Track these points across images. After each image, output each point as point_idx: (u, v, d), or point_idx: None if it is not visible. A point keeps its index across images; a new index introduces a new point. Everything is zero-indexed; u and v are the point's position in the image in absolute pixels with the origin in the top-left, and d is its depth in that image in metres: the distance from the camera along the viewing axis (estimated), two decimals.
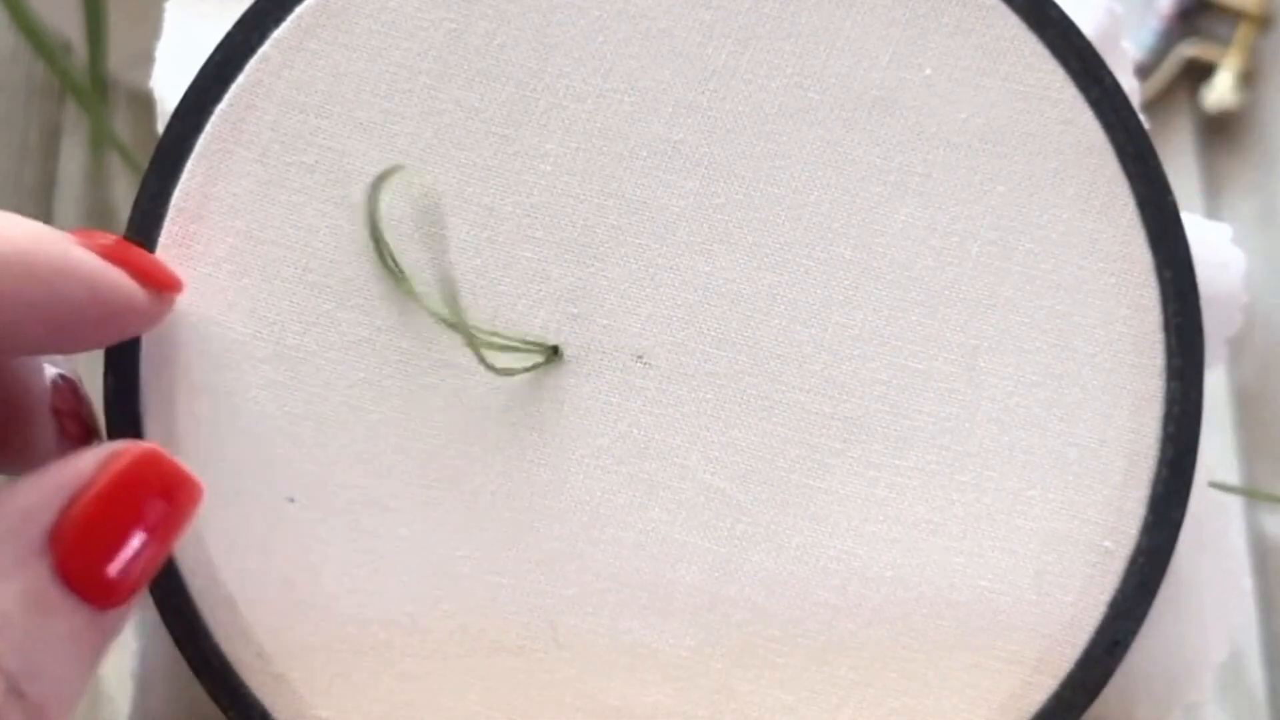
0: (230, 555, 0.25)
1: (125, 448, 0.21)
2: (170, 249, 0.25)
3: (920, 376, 0.25)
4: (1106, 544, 0.25)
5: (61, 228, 0.22)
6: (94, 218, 0.55)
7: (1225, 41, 0.66)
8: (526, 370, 0.25)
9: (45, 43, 0.55)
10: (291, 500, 0.25)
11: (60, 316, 0.21)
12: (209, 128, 0.26)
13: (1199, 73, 0.66)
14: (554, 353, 0.25)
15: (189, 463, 0.25)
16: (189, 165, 0.25)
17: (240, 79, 0.26)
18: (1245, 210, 0.64)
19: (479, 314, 0.25)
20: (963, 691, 0.25)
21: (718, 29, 0.26)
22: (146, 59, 0.28)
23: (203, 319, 0.25)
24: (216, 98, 0.26)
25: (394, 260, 0.24)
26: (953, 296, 0.26)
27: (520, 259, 0.26)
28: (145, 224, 0.25)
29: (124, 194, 0.57)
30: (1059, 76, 0.26)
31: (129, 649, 0.28)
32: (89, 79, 0.52)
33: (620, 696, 0.25)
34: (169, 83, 0.27)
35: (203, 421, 0.25)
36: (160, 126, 0.26)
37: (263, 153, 0.26)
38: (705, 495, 0.25)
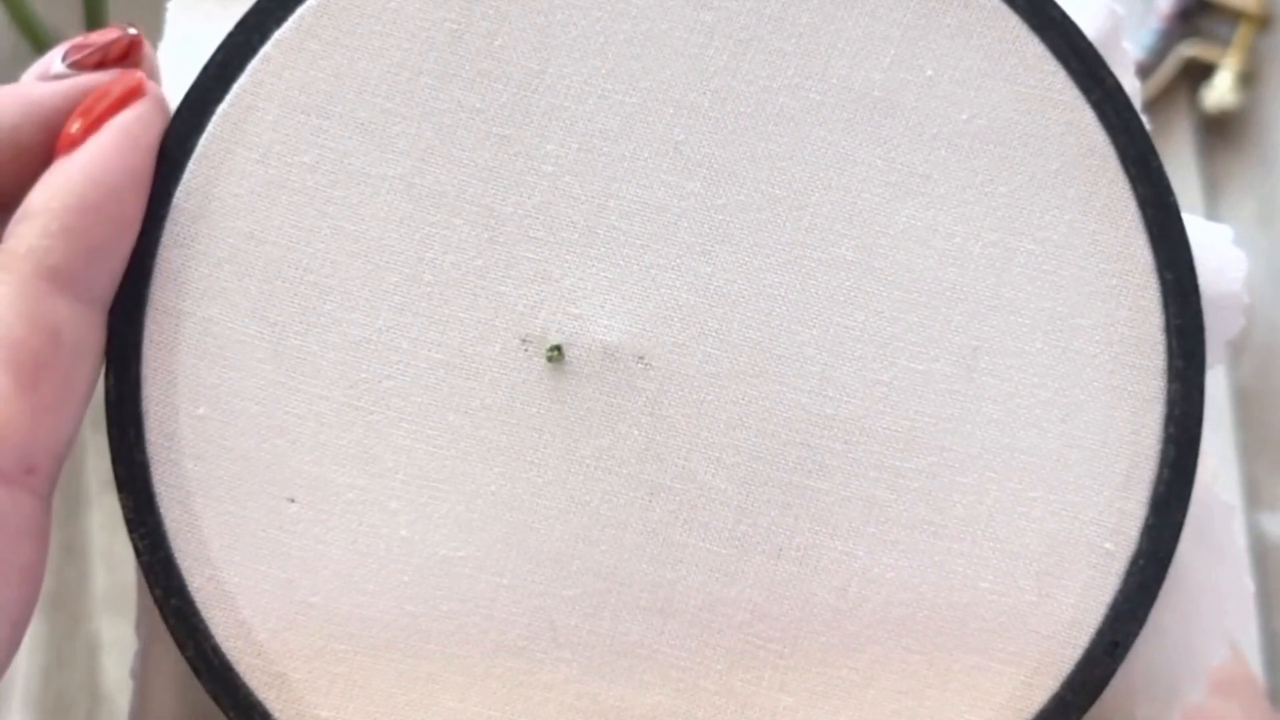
0: (231, 555, 0.25)
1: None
2: (171, 249, 0.25)
3: (921, 377, 0.25)
4: (1107, 545, 0.25)
5: None
6: None
7: (1225, 41, 0.66)
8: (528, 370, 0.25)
9: (45, 43, 0.55)
10: (292, 500, 0.25)
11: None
12: (210, 128, 0.26)
13: (1199, 73, 0.66)
14: (555, 353, 0.25)
15: (189, 463, 0.25)
16: (190, 165, 0.25)
17: (241, 79, 0.26)
18: (1245, 210, 0.65)
19: (480, 314, 0.25)
20: (963, 693, 0.25)
21: (719, 30, 0.26)
22: None
23: (204, 319, 0.25)
24: (218, 98, 0.26)
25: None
26: (954, 298, 0.26)
27: (521, 259, 0.26)
28: (146, 224, 0.25)
29: None
30: (1060, 78, 0.26)
31: (129, 649, 0.28)
32: None
33: (620, 698, 0.25)
34: (170, 83, 0.27)
35: (204, 422, 0.25)
36: None
37: (264, 153, 0.26)
38: (706, 496, 0.25)
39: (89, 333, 0.24)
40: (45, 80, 0.25)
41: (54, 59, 0.25)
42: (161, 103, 0.25)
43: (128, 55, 0.25)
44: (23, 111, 0.24)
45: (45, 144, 0.24)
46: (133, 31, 0.25)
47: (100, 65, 0.25)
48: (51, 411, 0.23)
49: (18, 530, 0.22)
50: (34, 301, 0.23)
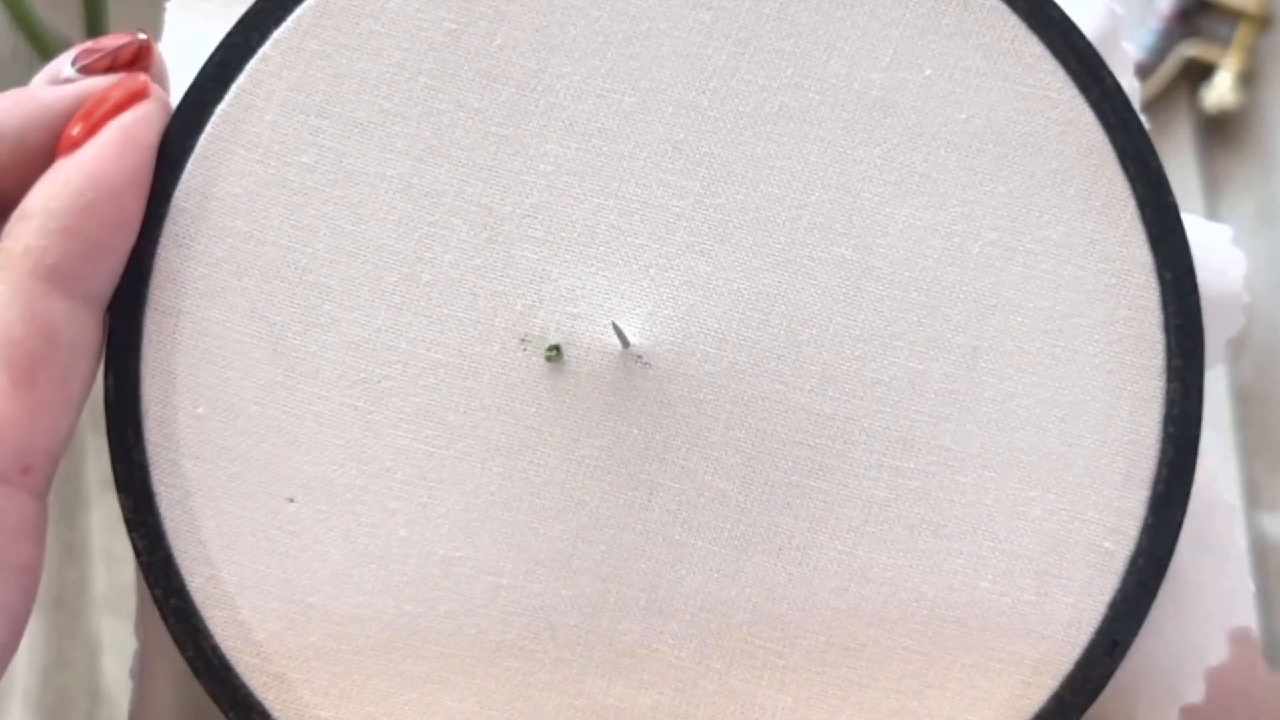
0: (230, 555, 0.25)
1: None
2: (170, 249, 0.25)
3: (920, 377, 0.25)
4: (1107, 545, 0.25)
5: None
6: None
7: (1225, 41, 0.66)
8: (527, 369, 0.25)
9: (45, 43, 0.55)
10: (291, 500, 0.25)
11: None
12: (209, 127, 0.26)
13: (1199, 73, 0.66)
14: (554, 352, 0.25)
15: (188, 463, 0.25)
16: (189, 165, 0.25)
17: (240, 79, 0.26)
18: (1245, 210, 0.65)
19: (479, 314, 0.26)
20: (963, 692, 0.25)
21: (718, 29, 0.26)
22: None
23: (203, 320, 0.25)
24: (217, 98, 0.26)
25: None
26: (953, 297, 0.26)
27: (520, 259, 0.26)
28: (146, 224, 0.25)
29: None
30: (1059, 77, 0.26)
31: (129, 649, 0.28)
32: None
33: (620, 697, 0.25)
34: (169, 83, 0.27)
35: (203, 422, 0.25)
36: None
37: (263, 153, 0.26)
38: (705, 496, 0.25)
39: (86, 332, 0.24)
40: (54, 85, 0.25)
41: (63, 63, 0.25)
42: (164, 104, 0.25)
43: (137, 60, 0.25)
44: (30, 115, 0.24)
45: (52, 148, 0.24)
46: (142, 36, 0.25)
47: (109, 70, 0.25)
48: (48, 410, 0.23)
49: (15, 529, 0.22)
50: (31, 300, 0.23)
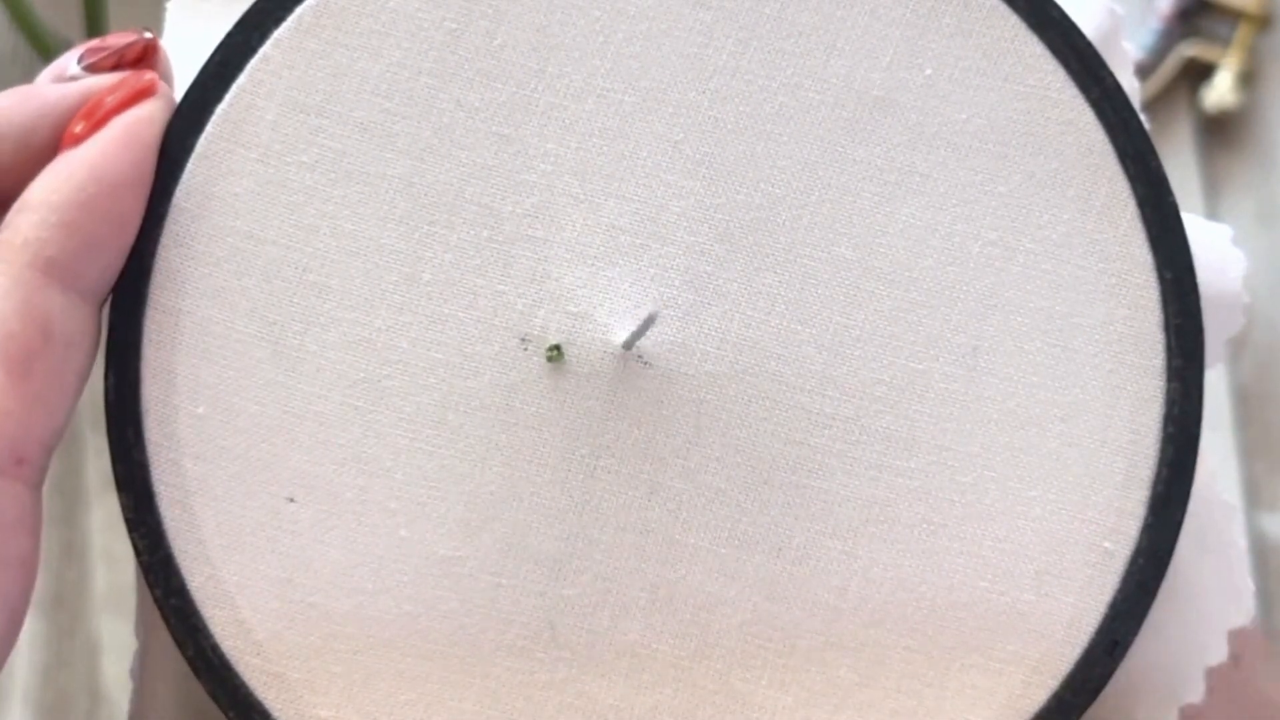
0: (230, 554, 0.25)
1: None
2: (171, 248, 0.25)
3: (921, 377, 0.25)
4: (1107, 544, 0.25)
5: None
6: None
7: (1225, 41, 0.66)
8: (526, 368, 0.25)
9: (45, 43, 0.55)
10: (291, 500, 0.25)
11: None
12: (209, 127, 0.26)
13: (1199, 73, 0.66)
14: (555, 352, 0.25)
15: (189, 462, 0.25)
16: (189, 165, 0.25)
17: (241, 79, 0.26)
18: (1245, 210, 0.65)
19: (480, 313, 0.26)
20: (963, 692, 0.25)
21: (718, 29, 0.26)
22: None
23: (203, 319, 0.25)
24: (217, 97, 0.26)
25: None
26: (953, 297, 0.26)
27: (520, 258, 0.26)
28: (146, 222, 0.25)
29: None
30: (1059, 77, 0.26)
31: (129, 649, 0.28)
32: None
33: (620, 697, 0.25)
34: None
35: (203, 421, 0.25)
36: None
37: (263, 152, 0.26)
38: (705, 496, 0.25)
39: (82, 327, 0.24)
40: (60, 82, 0.25)
41: (69, 61, 0.25)
42: (169, 103, 0.25)
43: (143, 59, 0.25)
44: (35, 113, 0.24)
45: (56, 146, 0.24)
46: (148, 35, 0.25)
47: (115, 68, 0.25)
48: (42, 403, 0.23)
49: (11, 522, 0.22)
50: (29, 293, 0.23)
